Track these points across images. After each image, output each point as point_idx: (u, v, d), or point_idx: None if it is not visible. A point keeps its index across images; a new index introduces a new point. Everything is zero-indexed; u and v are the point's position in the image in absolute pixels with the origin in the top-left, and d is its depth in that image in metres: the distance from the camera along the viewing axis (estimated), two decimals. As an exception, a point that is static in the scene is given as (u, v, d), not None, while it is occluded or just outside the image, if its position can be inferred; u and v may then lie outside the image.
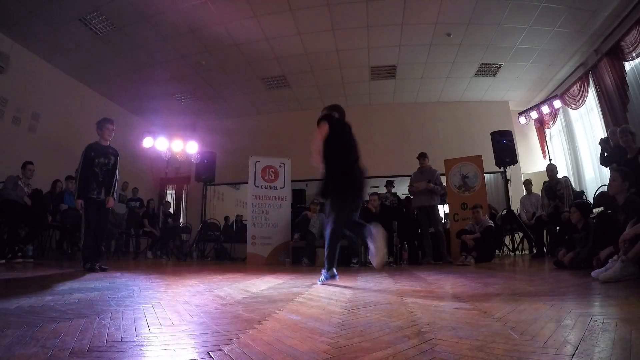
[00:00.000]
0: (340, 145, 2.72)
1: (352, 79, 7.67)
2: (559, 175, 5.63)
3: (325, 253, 2.77)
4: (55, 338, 1.02)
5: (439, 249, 5.25)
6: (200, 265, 5.13)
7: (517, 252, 6.34)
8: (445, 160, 6.23)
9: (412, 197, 5.75)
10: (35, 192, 4.87)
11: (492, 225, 5.12)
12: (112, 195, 3.83)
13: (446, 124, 8.47)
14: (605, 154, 4.71)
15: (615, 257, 2.38)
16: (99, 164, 3.72)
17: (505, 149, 6.11)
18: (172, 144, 7.54)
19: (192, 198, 9.34)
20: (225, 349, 0.95)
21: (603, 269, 2.40)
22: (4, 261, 3.99)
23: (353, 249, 5.33)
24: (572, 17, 5.56)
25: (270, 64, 7.03)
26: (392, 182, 7.09)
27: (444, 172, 6.10)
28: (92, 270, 3.43)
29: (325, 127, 2.66)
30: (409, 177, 5.73)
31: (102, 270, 3.51)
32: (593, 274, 2.46)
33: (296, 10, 5.52)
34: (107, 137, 3.84)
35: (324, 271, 2.78)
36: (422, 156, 5.56)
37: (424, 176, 5.41)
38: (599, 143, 4.98)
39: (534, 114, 7.88)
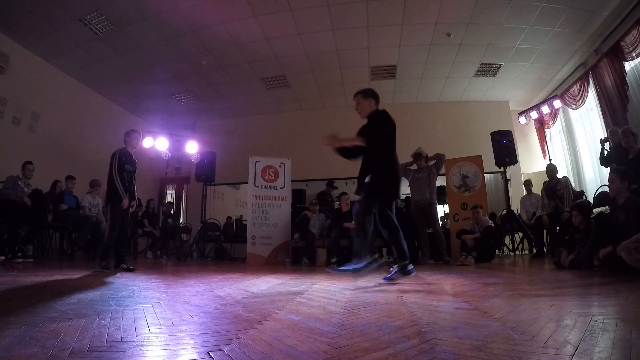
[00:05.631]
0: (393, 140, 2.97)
1: (352, 79, 7.66)
2: (559, 175, 5.63)
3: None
4: (55, 338, 1.02)
5: (437, 249, 5.20)
6: (200, 265, 5.13)
7: (517, 252, 6.34)
8: (445, 160, 6.22)
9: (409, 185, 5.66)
10: (35, 192, 4.87)
11: (492, 225, 5.11)
12: (135, 199, 4.03)
13: (446, 124, 8.46)
14: (606, 154, 4.70)
15: None
16: (127, 170, 3.87)
17: (505, 149, 6.10)
18: (172, 144, 7.52)
19: (192, 198, 9.33)
20: (225, 349, 0.94)
21: None
22: (2, 258, 4.01)
23: (353, 249, 5.31)
24: (572, 17, 5.56)
25: (270, 64, 7.02)
26: None
27: (444, 172, 6.09)
28: (107, 268, 3.54)
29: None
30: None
31: (130, 270, 3.57)
32: None
33: (296, 10, 5.52)
34: (135, 144, 4.04)
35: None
36: (417, 157, 5.47)
37: (421, 175, 5.41)
38: (600, 141, 4.97)
39: (534, 114, 7.88)
